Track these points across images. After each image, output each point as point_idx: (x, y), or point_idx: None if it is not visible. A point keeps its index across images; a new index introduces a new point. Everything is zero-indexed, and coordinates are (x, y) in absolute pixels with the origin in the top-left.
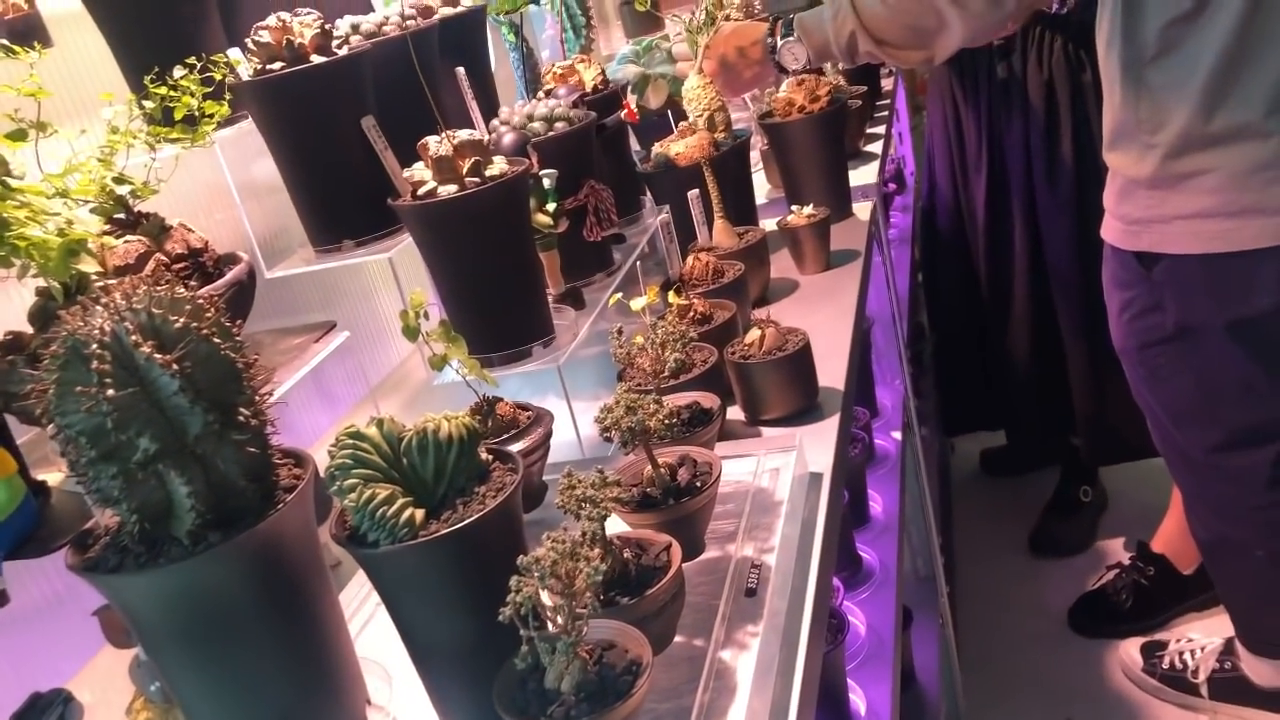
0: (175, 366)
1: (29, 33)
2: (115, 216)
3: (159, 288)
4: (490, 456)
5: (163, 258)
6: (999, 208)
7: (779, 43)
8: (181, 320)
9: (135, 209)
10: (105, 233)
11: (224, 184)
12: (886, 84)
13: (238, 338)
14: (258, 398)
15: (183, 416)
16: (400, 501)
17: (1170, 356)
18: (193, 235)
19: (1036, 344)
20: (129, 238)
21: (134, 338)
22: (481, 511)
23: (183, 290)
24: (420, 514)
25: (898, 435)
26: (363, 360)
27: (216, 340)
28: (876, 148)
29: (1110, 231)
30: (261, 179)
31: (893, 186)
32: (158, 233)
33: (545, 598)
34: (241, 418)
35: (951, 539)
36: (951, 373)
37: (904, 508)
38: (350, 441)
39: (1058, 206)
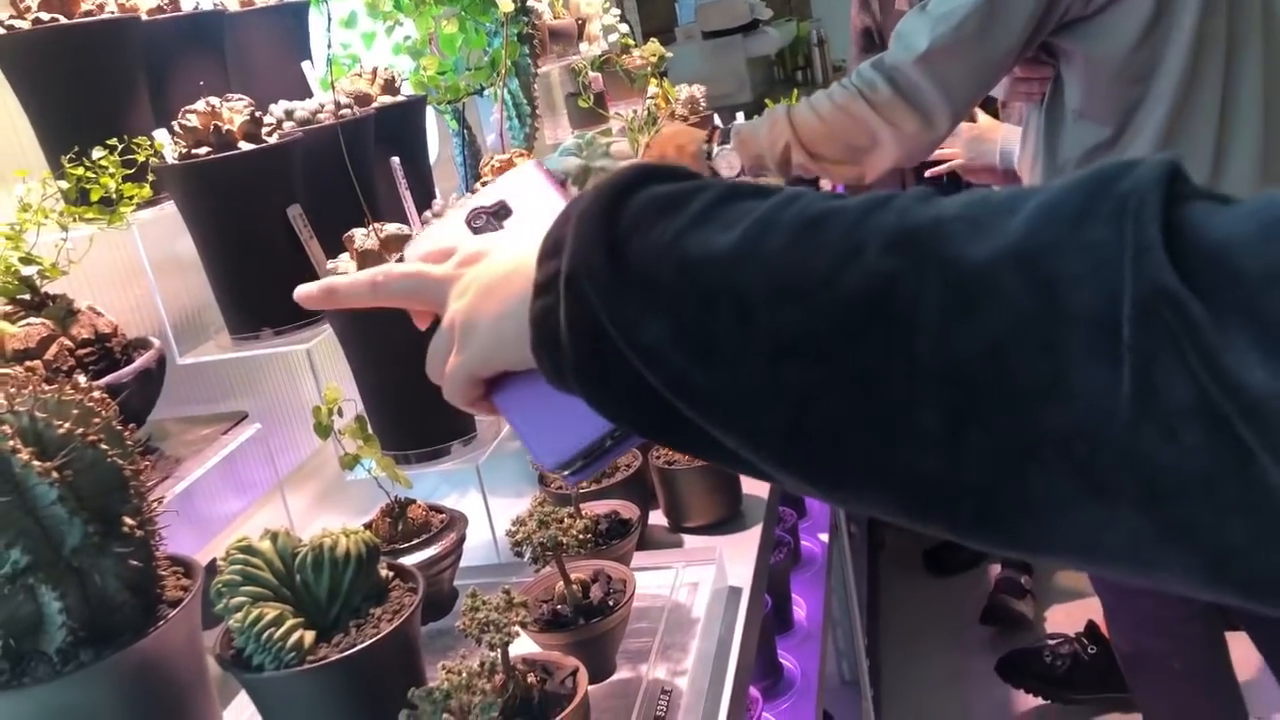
0: (56, 475)
1: None
2: (19, 297)
3: (46, 388)
4: (390, 573)
5: (67, 342)
6: None
7: (715, 150)
8: (66, 425)
9: (42, 290)
10: (6, 314)
11: (140, 266)
12: (825, 185)
13: (129, 441)
14: (146, 505)
15: (60, 527)
16: (290, 623)
17: None
18: (101, 319)
19: None
20: (31, 320)
21: (12, 443)
22: (375, 636)
23: (71, 391)
24: (310, 636)
25: (825, 537)
26: (277, 447)
27: (104, 446)
28: None
29: None
30: (181, 262)
31: None
32: (64, 316)
33: None
34: (126, 528)
35: (878, 640)
36: None
37: (829, 612)
38: (240, 556)
39: None
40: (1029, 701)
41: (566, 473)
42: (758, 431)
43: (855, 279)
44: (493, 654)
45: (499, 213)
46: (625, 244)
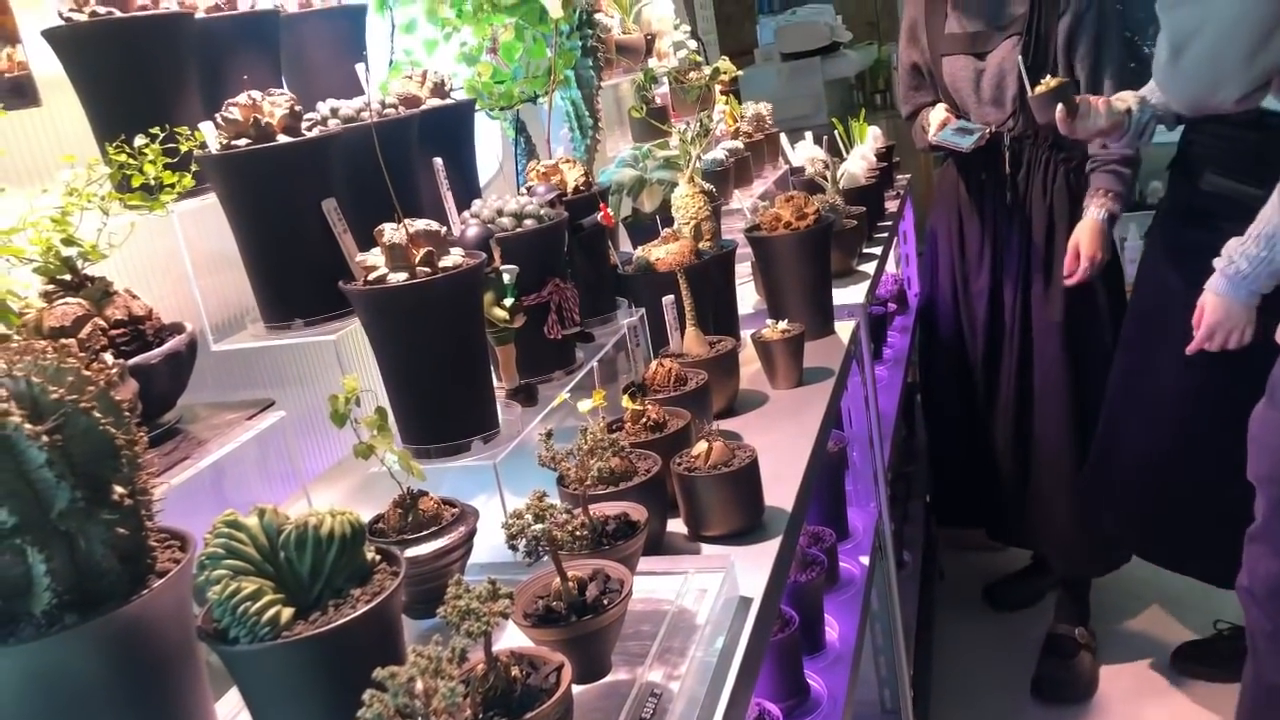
0: (46, 438)
1: (18, 91)
2: (59, 277)
3: (47, 355)
4: (377, 556)
5: (101, 323)
6: (995, 317)
7: None
8: (60, 391)
9: (82, 271)
10: (46, 294)
11: (180, 254)
12: (891, 205)
13: (126, 414)
14: (139, 475)
15: (49, 490)
16: (268, 598)
17: None
18: (136, 303)
19: (1017, 453)
20: (69, 300)
21: (5, 405)
22: (351, 615)
23: (70, 360)
24: (288, 613)
25: (866, 560)
26: (312, 443)
27: (97, 414)
28: (872, 268)
29: None
30: (221, 252)
31: (893, 306)
32: (100, 297)
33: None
34: (116, 496)
35: (928, 672)
36: (943, 470)
37: (868, 636)
38: (226, 530)
39: (1046, 327)
40: None
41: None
42: None
43: None
44: (467, 641)
45: None
46: None
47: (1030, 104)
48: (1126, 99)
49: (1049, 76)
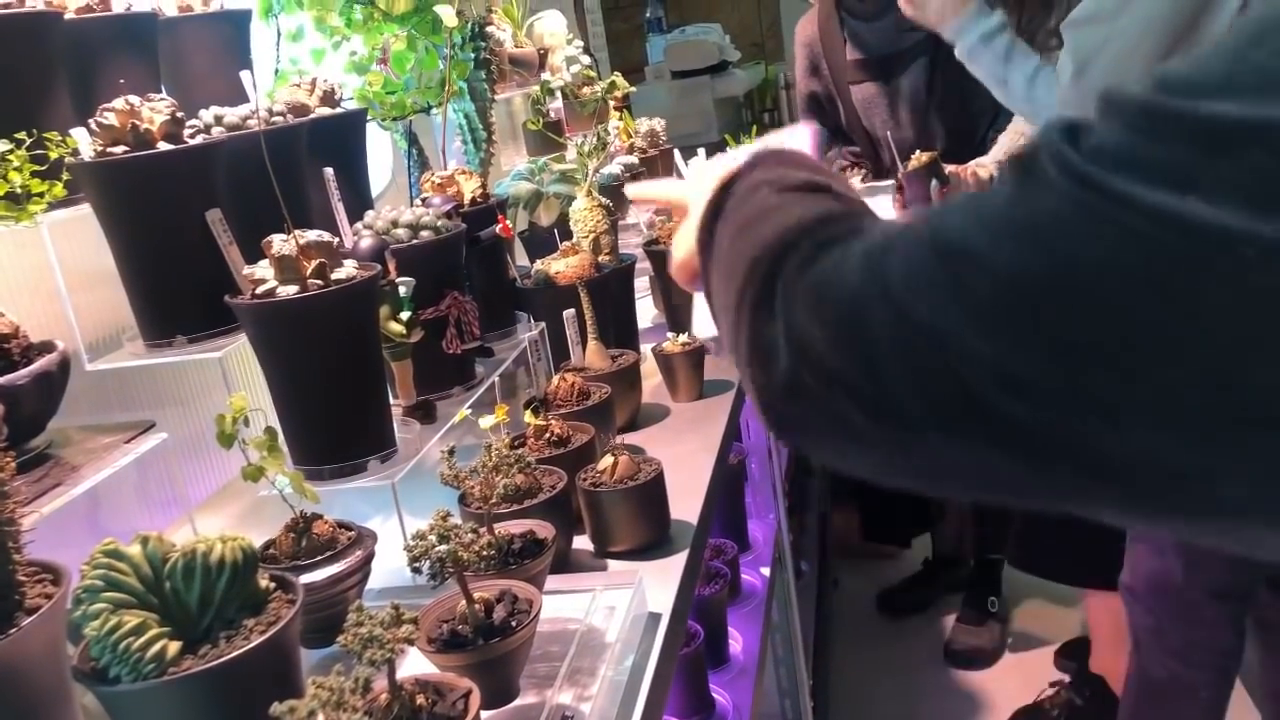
0: None
1: None
2: None
3: None
4: (272, 584)
5: None
6: None
7: None
8: None
9: None
10: None
11: (50, 268)
12: None
13: None
14: (4, 506)
15: None
16: (152, 632)
17: None
18: (1, 320)
19: None
20: None
21: None
22: (244, 648)
23: None
24: (175, 647)
25: (767, 571)
26: (196, 466)
27: None
28: None
29: None
30: (98, 267)
31: None
32: None
33: None
34: None
35: (826, 681)
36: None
37: (768, 647)
38: (105, 560)
39: None
40: None
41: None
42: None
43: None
44: (370, 670)
45: None
46: (729, 200)
47: (901, 180)
48: (988, 166)
49: (919, 153)
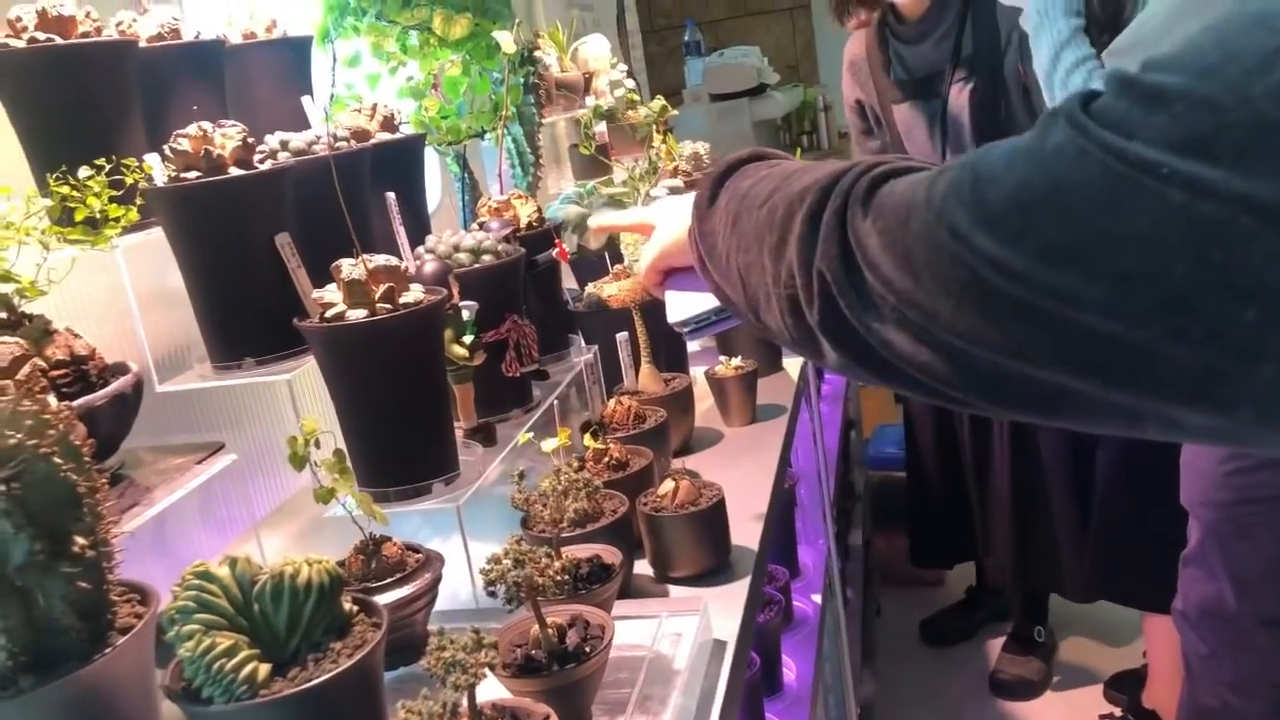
0: (3, 487)
1: None
2: None
3: (2, 396)
4: (355, 607)
5: (41, 363)
6: None
7: None
8: (18, 436)
9: (19, 309)
10: None
11: (124, 291)
12: None
13: (86, 459)
14: (101, 525)
15: (5, 543)
16: (244, 654)
17: (1269, 515)
18: (78, 341)
19: (1016, 491)
20: (5, 339)
21: None
22: (333, 671)
23: (27, 404)
24: (265, 669)
25: (818, 598)
26: (257, 485)
27: (57, 460)
28: None
29: None
30: (168, 289)
31: None
32: (39, 336)
33: None
34: (76, 548)
35: (872, 711)
36: (923, 508)
37: (820, 675)
38: (196, 582)
39: None
40: None
41: (686, 330)
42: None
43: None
44: (455, 695)
45: None
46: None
47: None
48: None
49: None
